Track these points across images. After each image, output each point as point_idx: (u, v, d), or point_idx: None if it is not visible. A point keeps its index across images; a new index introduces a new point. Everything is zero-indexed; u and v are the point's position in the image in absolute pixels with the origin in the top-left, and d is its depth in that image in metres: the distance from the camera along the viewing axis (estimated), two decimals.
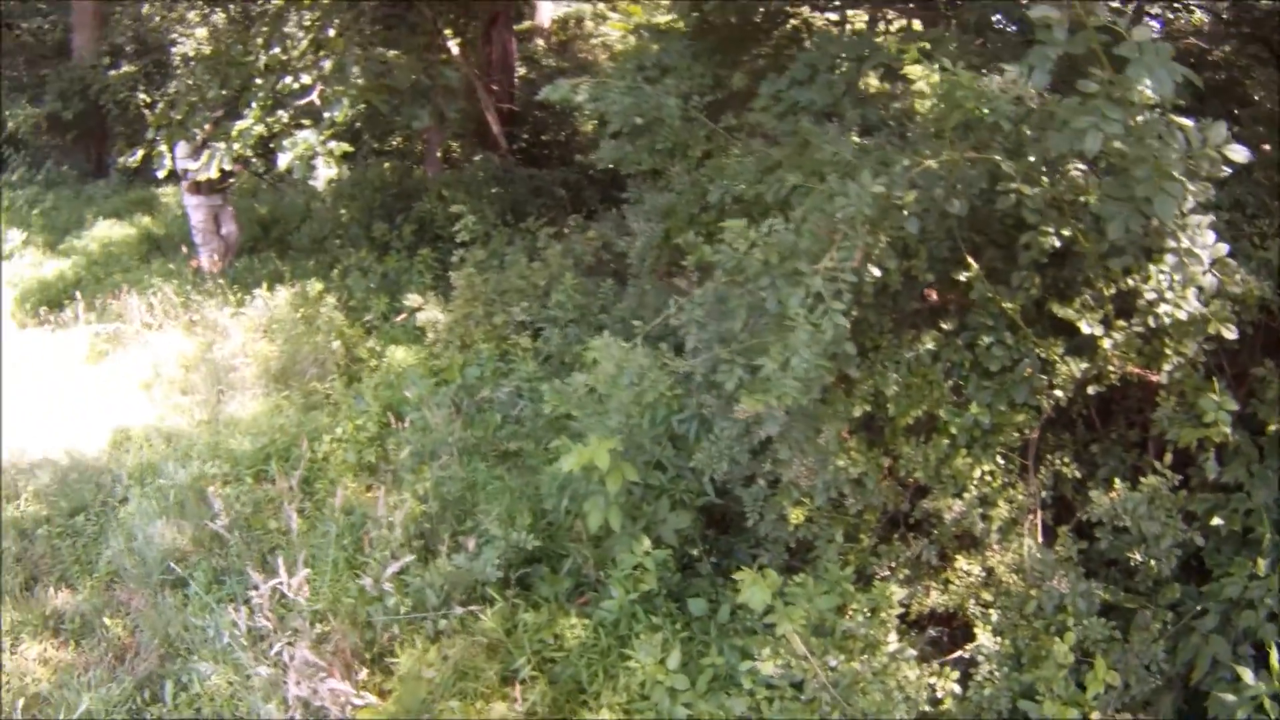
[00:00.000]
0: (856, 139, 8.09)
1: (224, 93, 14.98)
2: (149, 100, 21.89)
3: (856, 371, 7.16)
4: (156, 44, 22.73)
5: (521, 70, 20.90)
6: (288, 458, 10.10)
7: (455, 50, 17.20)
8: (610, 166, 11.12)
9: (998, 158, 6.64)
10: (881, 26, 14.32)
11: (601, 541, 8.13)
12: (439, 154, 19.04)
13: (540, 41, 24.12)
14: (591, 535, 8.01)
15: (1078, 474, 7.46)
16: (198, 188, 15.32)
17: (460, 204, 13.86)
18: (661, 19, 17.89)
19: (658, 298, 10.74)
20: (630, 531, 7.86)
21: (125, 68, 22.36)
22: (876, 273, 6.61)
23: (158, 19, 23.05)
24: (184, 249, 15.97)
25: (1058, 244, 6.81)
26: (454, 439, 9.55)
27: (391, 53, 14.75)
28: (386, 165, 19.17)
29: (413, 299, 12.20)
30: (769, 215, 8.89)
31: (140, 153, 14.78)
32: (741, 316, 7.15)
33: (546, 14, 24.57)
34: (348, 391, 11.36)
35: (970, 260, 7.14)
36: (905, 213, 6.55)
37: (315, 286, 13.67)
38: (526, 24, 23.72)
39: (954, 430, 7.20)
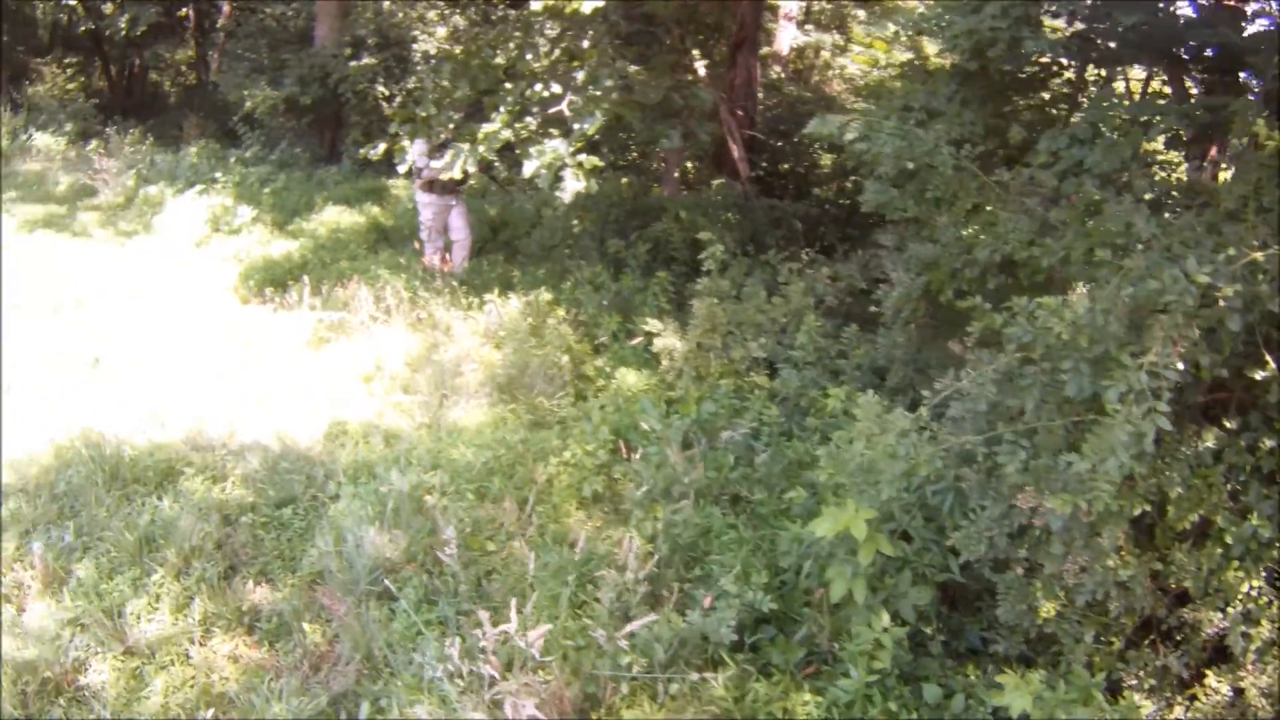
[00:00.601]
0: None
1: (470, 94, 14.77)
2: (387, 93, 21.98)
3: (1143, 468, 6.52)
4: (398, 39, 22.86)
5: (760, 96, 20.41)
6: (512, 475, 9.65)
7: (702, 71, 16.80)
8: (847, 204, 10.63)
9: None
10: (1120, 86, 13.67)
11: (838, 610, 7.51)
12: (676, 175, 18.64)
13: (778, 69, 23.65)
14: (831, 604, 7.43)
15: None
16: (431, 186, 15.24)
17: (702, 229, 13.39)
18: (914, 57, 17.29)
19: (910, 352, 10.19)
20: (870, 604, 7.27)
21: (365, 60, 22.44)
22: (1180, 366, 5.98)
23: (400, 15, 23.20)
24: (415, 244, 15.91)
25: None
26: (689, 479, 9.03)
27: (633, 68, 14.31)
28: (624, 180, 18.74)
29: (653, 324, 11.70)
30: (1038, 277, 8.39)
31: (383, 146, 14.51)
32: (1034, 396, 6.56)
33: (786, 42, 24.08)
34: (576, 410, 10.92)
35: (1268, 358, 6.50)
36: (1222, 304, 5.94)
37: (545, 297, 13.32)
38: (765, 50, 23.25)
39: (1229, 539, 6.54)
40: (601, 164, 12.91)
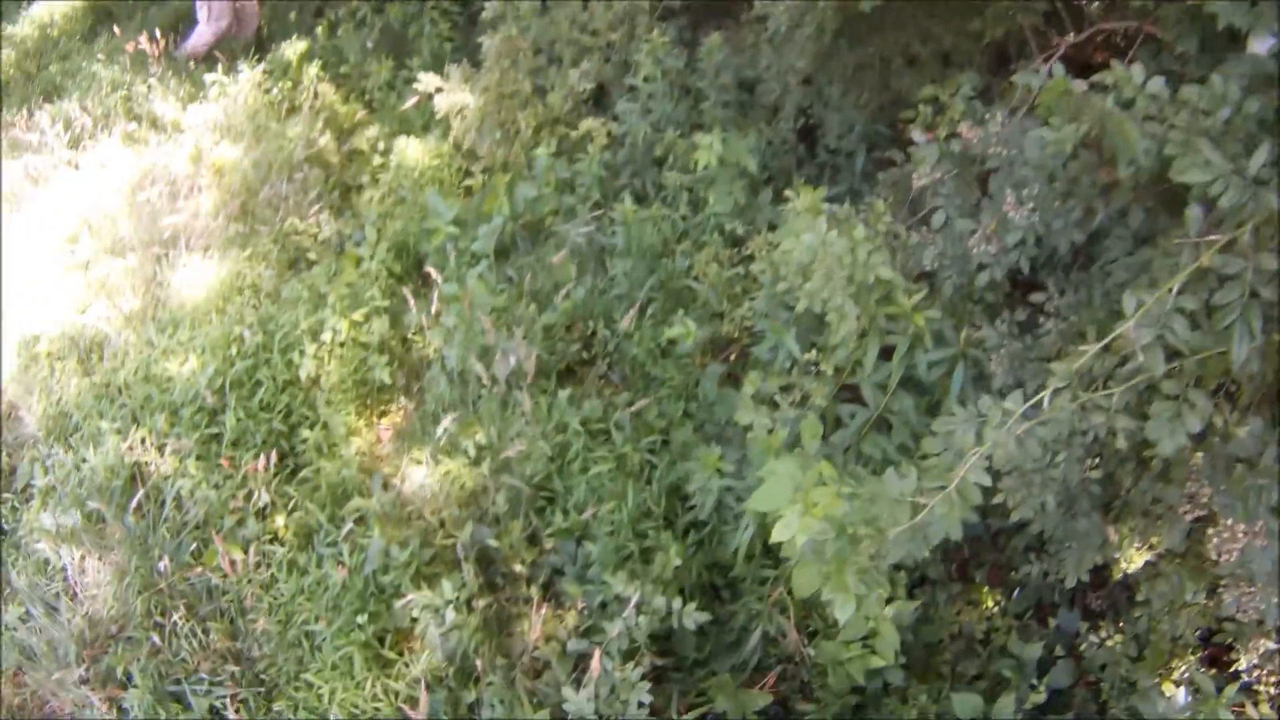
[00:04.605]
0: None
1: None
2: None
3: None
4: None
5: None
6: (254, 391, 5.67)
7: None
8: None
9: None
10: None
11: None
12: None
13: None
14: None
15: None
16: None
17: None
18: None
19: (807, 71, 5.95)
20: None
21: None
22: None
23: None
24: (116, 30, 10.27)
25: None
26: (514, 358, 5.01)
27: None
28: None
29: (426, 79, 7.15)
30: None
31: None
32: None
33: None
34: (341, 227, 6.85)
35: None
36: None
37: (296, 48, 8.84)
38: None
39: None
40: None
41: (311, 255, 6.74)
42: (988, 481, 3.06)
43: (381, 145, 7.65)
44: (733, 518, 4.43)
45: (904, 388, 4.21)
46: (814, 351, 4.22)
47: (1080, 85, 3.32)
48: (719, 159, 5.75)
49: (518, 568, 4.51)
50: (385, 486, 4.99)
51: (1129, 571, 4.38)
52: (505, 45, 6.95)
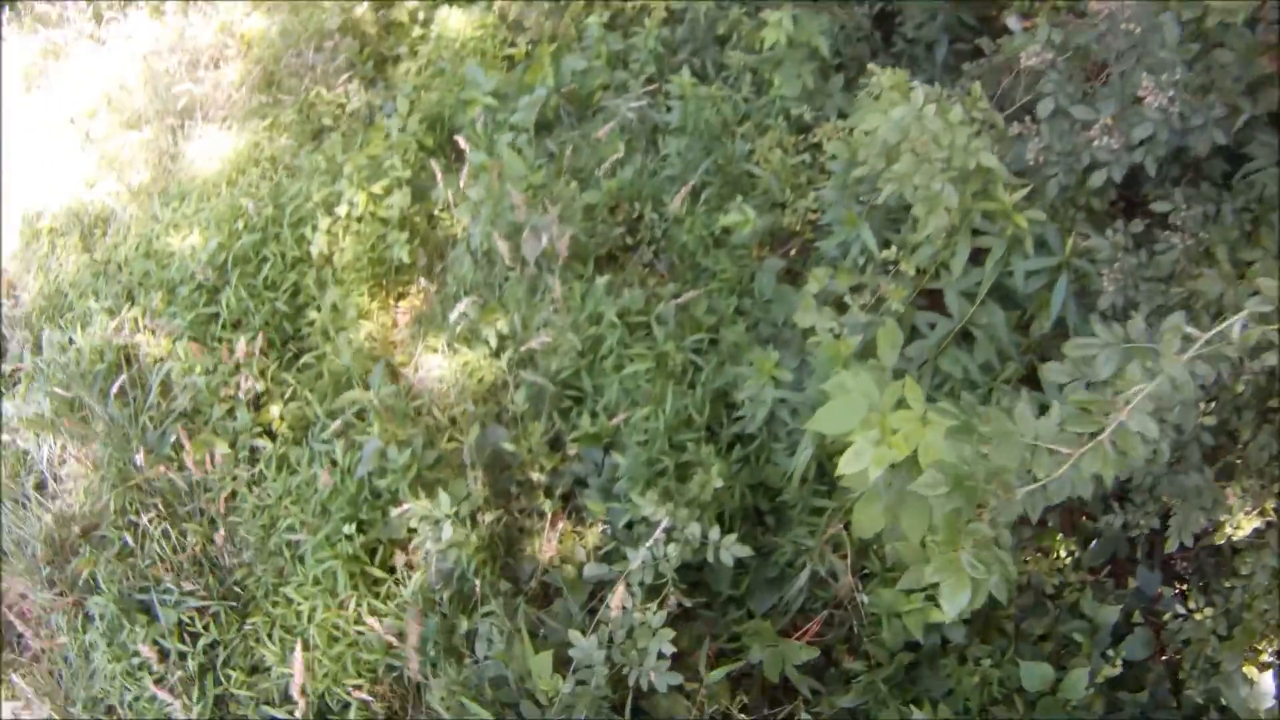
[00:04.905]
0: None
1: None
2: None
3: None
4: None
5: None
6: (259, 267, 5.16)
7: None
8: None
9: None
10: None
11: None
12: None
13: None
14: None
15: None
16: None
17: None
18: None
19: None
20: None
21: None
22: None
23: None
24: None
25: None
26: (545, 236, 4.42)
27: None
28: None
29: None
30: None
31: None
32: None
33: None
34: (372, 98, 6.26)
35: None
36: None
37: None
38: None
39: None
40: None
41: (333, 125, 6.18)
42: (1154, 431, 2.39)
43: (422, 16, 7.00)
44: (785, 434, 3.86)
45: (993, 298, 3.58)
46: (892, 249, 3.60)
47: None
48: (788, 38, 5.11)
49: (535, 475, 4.00)
50: (393, 376, 4.47)
51: (1234, 538, 3.85)
52: None
